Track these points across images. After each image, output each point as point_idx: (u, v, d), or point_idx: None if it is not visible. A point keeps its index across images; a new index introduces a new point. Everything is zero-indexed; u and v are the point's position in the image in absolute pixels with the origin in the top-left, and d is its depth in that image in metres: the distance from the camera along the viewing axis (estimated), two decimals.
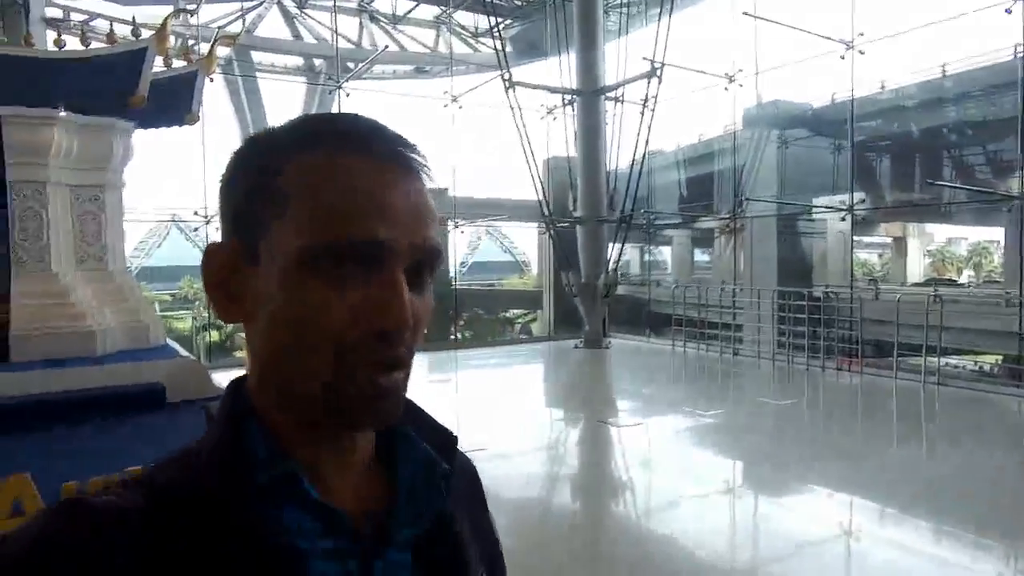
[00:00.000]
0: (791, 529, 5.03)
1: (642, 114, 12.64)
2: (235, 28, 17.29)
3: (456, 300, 18.02)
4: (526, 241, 18.92)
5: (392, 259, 0.52)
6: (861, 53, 12.42)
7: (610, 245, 13.77)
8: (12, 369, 4.80)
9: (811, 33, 13.05)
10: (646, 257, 23.11)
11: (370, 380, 0.52)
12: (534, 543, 4.27)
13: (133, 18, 6.09)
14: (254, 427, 0.55)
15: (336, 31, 17.46)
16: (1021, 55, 11.19)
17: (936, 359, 9.99)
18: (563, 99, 14.20)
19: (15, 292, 5.24)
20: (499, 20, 15.19)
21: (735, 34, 14.51)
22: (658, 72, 12.29)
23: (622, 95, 13.51)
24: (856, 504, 5.50)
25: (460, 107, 15.47)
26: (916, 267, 29.11)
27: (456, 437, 0.64)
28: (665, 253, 29.35)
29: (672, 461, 6.63)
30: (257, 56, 22.76)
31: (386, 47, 20.83)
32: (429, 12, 22.73)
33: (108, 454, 3.66)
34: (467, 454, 0.70)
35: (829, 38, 12.67)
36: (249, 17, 21.40)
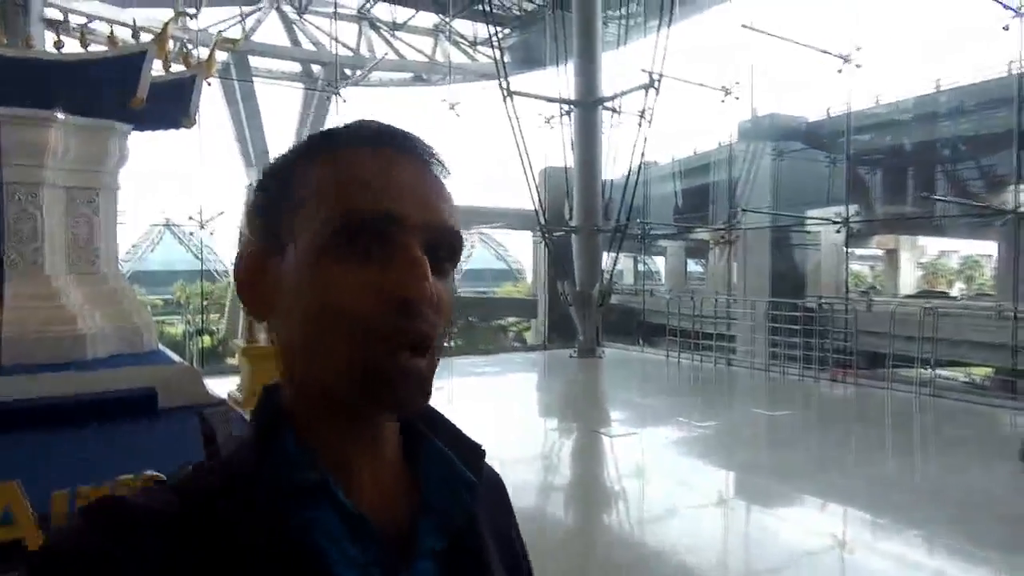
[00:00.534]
0: (784, 540, 5.02)
1: (639, 125, 12.71)
2: (235, 33, 17.30)
3: None
4: (520, 249, 18.93)
5: (405, 233, 0.53)
6: (858, 67, 12.54)
7: (605, 255, 13.79)
8: (2, 373, 4.75)
9: (809, 47, 13.19)
10: (640, 267, 23.16)
11: (393, 360, 0.52)
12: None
13: (133, 21, 6.10)
14: (287, 431, 0.55)
15: (335, 38, 17.50)
16: (1017, 71, 11.29)
17: (930, 370, 10.03)
18: (560, 109, 14.26)
19: (7, 294, 5.19)
20: (498, 29, 15.25)
21: (733, 48, 14.61)
22: (655, 84, 12.36)
23: (619, 106, 13.58)
24: (849, 515, 5.50)
25: (457, 115, 15.52)
26: (908, 279, 29.26)
27: (484, 450, 0.64)
28: (659, 263, 29.44)
29: (666, 471, 6.62)
30: (255, 61, 22.76)
31: (385, 55, 20.90)
32: (428, 20, 22.82)
33: (99, 461, 3.62)
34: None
35: (827, 52, 12.81)
36: (248, 22, 21.43)
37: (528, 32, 20.10)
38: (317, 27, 22.41)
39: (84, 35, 5.99)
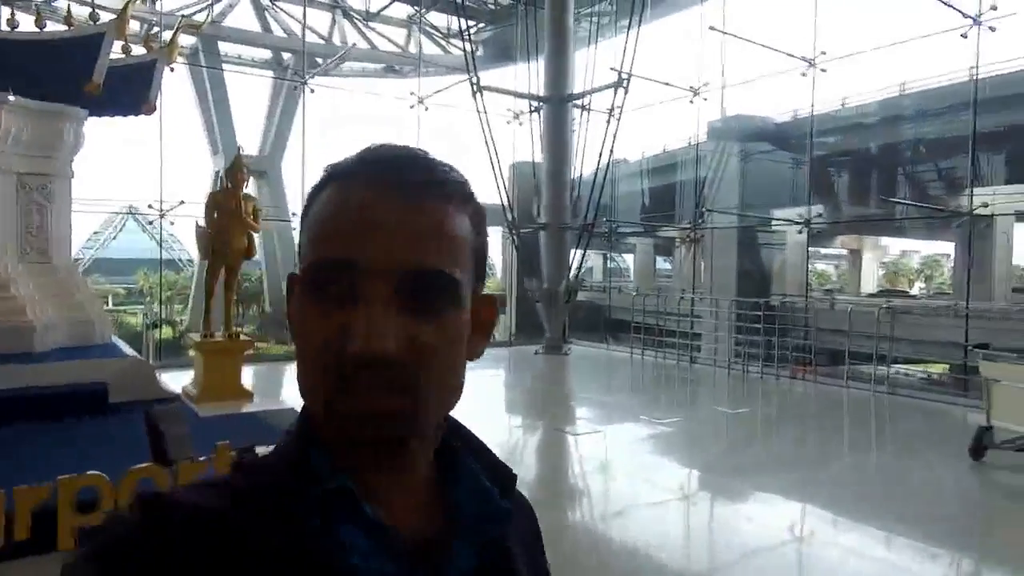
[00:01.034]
0: (744, 535, 5.09)
1: (608, 123, 12.76)
2: (201, 16, 16.90)
3: None
4: (490, 245, 18.76)
5: (368, 280, 0.52)
6: (823, 71, 12.73)
7: (572, 252, 13.85)
8: None
9: (775, 50, 13.34)
10: (610, 264, 23.29)
11: (359, 404, 0.52)
12: None
13: (92, 0, 5.90)
14: (315, 449, 0.56)
15: (305, 25, 17.21)
16: (975, 77, 11.57)
17: (886, 368, 10.28)
18: (530, 105, 14.24)
19: None
20: (471, 23, 15.17)
21: (702, 48, 14.73)
22: (625, 83, 12.41)
23: (589, 104, 13.61)
24: (806, 511, 5.61)
25: (426, 108, 15.40)
26: (870, 279, 29.92)
27: (515, 475, 0.65)
28: (628, 261, 29.64)
29: (629, 469, 6.67)
30: (224, 47, 22.29)
31: (353, 45, 20.62)
32: (402, 11, 22.56)
33: (41, 459, 3.52)
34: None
35: (792, 55, 12.97)
36: (218, 6, 20.96)
37: (502, 26, 20.02)
38: (289, 14, 22.04)
39: (40, 13, 5.80)
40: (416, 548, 0.56)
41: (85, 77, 5.41)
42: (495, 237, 16.06)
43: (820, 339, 11.45)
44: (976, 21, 10.73)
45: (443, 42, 22.76)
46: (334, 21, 22.45)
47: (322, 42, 21.64)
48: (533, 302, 14.17)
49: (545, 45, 13.92)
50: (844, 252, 31.18)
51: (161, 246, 16.19)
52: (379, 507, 0.54)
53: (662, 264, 27.72)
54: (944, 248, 30.97)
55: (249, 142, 23.61)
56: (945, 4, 11.02)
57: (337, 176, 0.57)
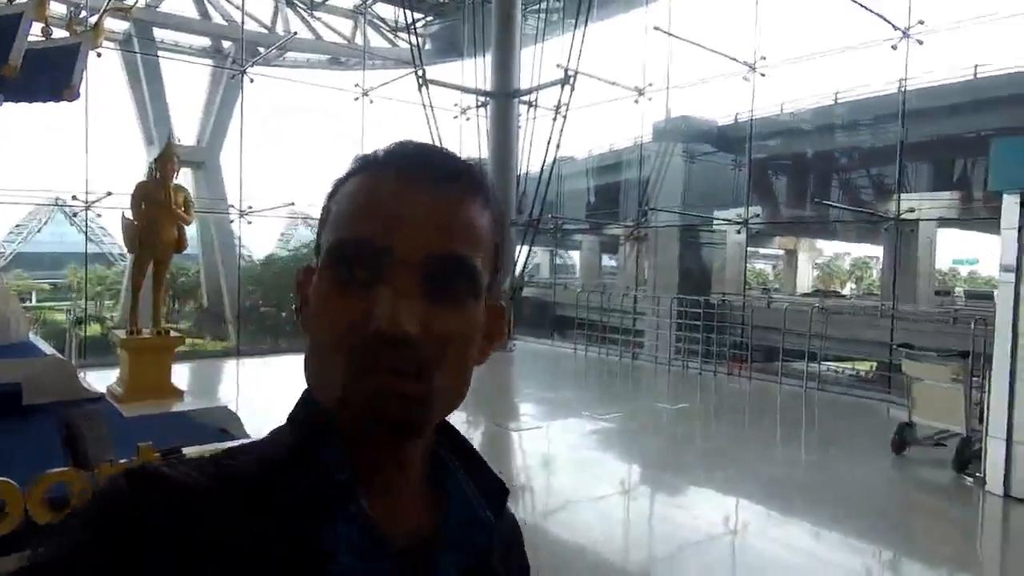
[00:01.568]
0: (681, 528, 5.21)
1: (554, 120, 12.83)
2: (137, 1, 16.21)
3: None
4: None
5: (394, 264, 0.53)
6: (762, 75, 13.10)
7: (518, 248, 13.87)
8: None
9: (717, 53, 13.66)
10: (557, 261, 23.46)
11: (378, 384, 0.52)
12: None
13: None
14: (321, 438, 0.56)
15: (243, 11, 16.71)
16: (903, 88, 12.10)
17: (817, 365, 10.67)
18: (477, 100, 14.19)
19: None
20: (418, 16, 15.00)
21: (647, 49, 14.95)
22: (571, 80, 12.49)
23: (535, 100, 13.65)
24: (740, 504, 5.77)
25: (371, 101, 15.17)
26: (805, 279, 31.02)
27: (508, 489, 0.65)
28: (575, 257, 29.93)
29: (569, 464, 6.73)
30: (161, 34, 21.44)
31: (294, 33, 20.13)
32: (348, 1, 22.17)
33: None
34: None
35: (734, 59, 13.29)
36: None
37: (449, 20, 19.90)
38: (229, 0, 21.37)
39: None
40: (404, 552, 0.56)
41: (0, 60, 5.09)
42: None
43: (757, 337, 11.79)
44: (905, 34, 11.21)
45: (390, 35, 22.47)
46: (277, 10, 21.88)
47: (264, 31, 21.07)
48: None
49: (492, 40, 13.89)
50: (781, 252, 32.23)
51: (87, 239, 15.47)
52: (373, 508, 0.55)
53: (608, 261, 28.11)
54: (874, 251, 32.40)
55: (187, 132, 22.81)
56: (877, 16, 11.48)
57: (367, 166, 0.58)
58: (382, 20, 22.52)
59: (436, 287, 0.54)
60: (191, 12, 21.57)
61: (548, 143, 12.94)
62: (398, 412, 0.53)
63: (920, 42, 11.27)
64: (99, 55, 8.25)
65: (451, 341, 0.55)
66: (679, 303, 13.18)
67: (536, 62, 13.47)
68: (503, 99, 13.79)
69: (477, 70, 13.97)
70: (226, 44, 21.77)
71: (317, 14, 22.45)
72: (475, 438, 8.11)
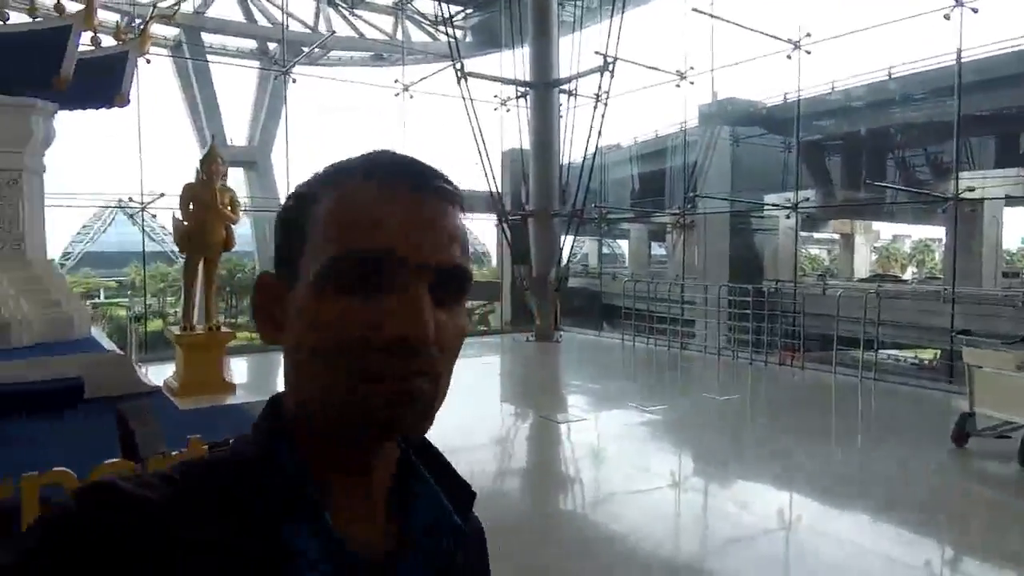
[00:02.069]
0: (732, 521, 5.11)
1: (595, 108, 12.67)
2: (182, 7, 16.67)
3: None
4: (485, 232, 18.85)
5: (407, 271, 0.54)
6: (808, 53, 12.65)
7: (563, 238, 13.80)
8: None
9: (759, 32, 13.24)
10: (605, 250, 23.26)
11: (394, 388, 0.53)
12: None
13: None
14: (285, 445, 0.56)
15: (286, 12, 17.02)
16: (959, 60, 11.51)
17: (874, 354, 10.28)
18: (516, 91, 14.13)
19: None
20: (457, 9, 15.01)
21: (687, 32, 14.64)
22: (610, 67, 12.31)
23: (575, 89, 13.51)
24: (792, 497, 5.62)
25: (411, 96, 15.28)
26: (863, 263, 29.93)
27: (474, 492, 0.66)
28: (623, 246, 29.59)
29: (614, 457, 6.67)
30: (210, 38, 22.05)
31: (333, 32, 20.41)
32: None
33: (11, 456, 3.48)
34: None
35: (777, 38, 12.87)
36: None
37: (488, 12, 19.84)
38: (272, 2, 21.79)
39: (3, 5, 5.69)
40: (365, 560, 0.56)
41: (53, 70, 5.31)
42: (487, 225, 16.04)
43: (810, 324, 11.43)
44: (959, 2, 10.64)
45: (430, 29, 22.57)
46: (319, 10, 22.21)
47: (307, 31, 21.43)
48: (522, 290, 14.13)
49: (530, 30, 13.80)
50: (836, 237, 31.18)
51: (144, 238, 16.07)
52: (336, 513, 0.55)
53: (658, 250, 27.69)
54: (936, 233, 31.03)
55: (238, 133, 23.45)
56: None
57: (352, 175, 0.57)
58: (422, 15, 22.63)
59: (440, 293, 0.55)
60: (237, 16, 22.11)
61: (589, 131, 12.81)
62: (410, 417, 0.54)
63: (975, 10, 10.68)
64: (148, 61, 8.53)
65: (452, 344, 0.56)
66: (729, 291, 12.88)
67: (575, 50, 13.34)
68: (543, 89, 13.69)
69: (516, 61, 13.92)
70: (271, 46, 22.25)
71: (358, 12, 22.71)
72: (521, 430, 8.13)
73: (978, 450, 6.34)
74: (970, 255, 15.33)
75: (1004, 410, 6.14)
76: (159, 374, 7.59)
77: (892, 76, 16.62)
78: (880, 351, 10.84)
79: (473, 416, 8.13)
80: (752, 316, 11.49)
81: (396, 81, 15.41)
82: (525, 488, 6.09)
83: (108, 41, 6.05)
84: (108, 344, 6.10)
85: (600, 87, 12.54)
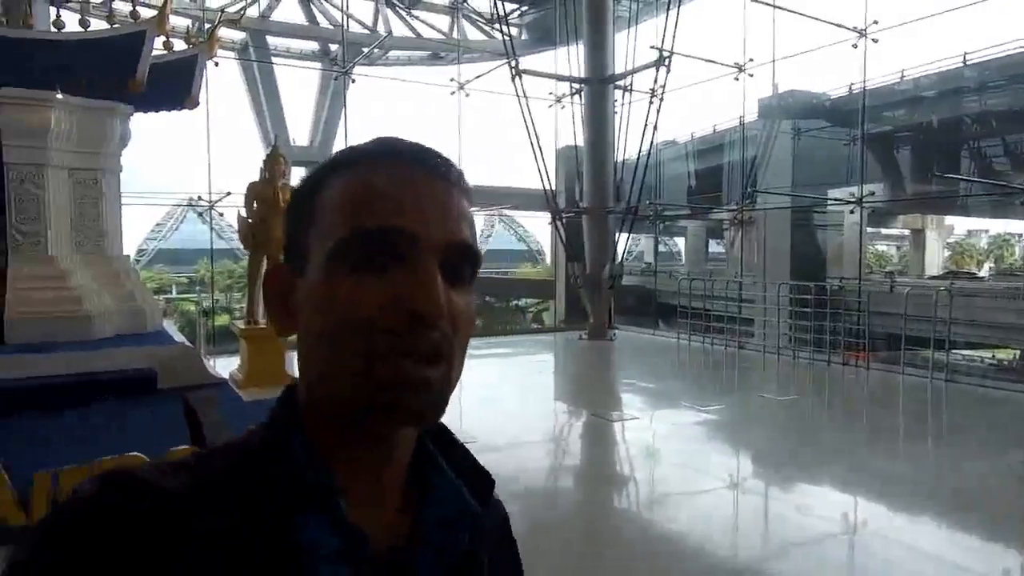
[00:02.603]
0: (791, 525, 4.99)
1: (650, 103, 12.50)
2: (249, 11, 17.25)
3: None
4: (540, 230, 18.88)
5: (420, 249, 0.53)
6: (875, 42, 12.16)
7: (617, 235, 13.67)
8: (6, 352, 4.84)
9: (823, 21, 12.80)
10: (661, 248, 22.95)
11: (401, 369, 0.52)
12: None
13: None
14: (298, 436, 0.56)
15: (346, 14, 17.40)
16: None
17: (944, 354, 9.82)
18: (571, 88, 14.07)
19: (11, 275, 5.28)
20: (512, 7, 15.02)
21: (747, 23, 14.25)
22: (666, 61, 12.13)
23: (630, 84, 13.35)
24: (855, 502, 5.44)
25: (467, 95, 15.40)
26: (935, 259, 28.63)
27: (493, 480, 0.65)
28: (680, 244, 29.14)
29: (669, 456, 6.57)
30: (274, 41, 22.75)
31: (389, 33, 20.76)
32: None
33: (87, 442, 3.68)
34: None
35: (841, 26, 12.42)
36: (264, 1, 21.38)
37: (543, 9, 19.82)
38: (333, 4, 22.32)
39: (84, 12, 6.00)
40: (381, 551, 0.55)
41: (129, 74, 5.58)
42: (541, 222, 16.03)
43: (877, 324, 10.99)
44: None
45: (486, 27, 22.69)
46: (377, 11, 22.62)
47: (367, 32, 21.85)
48: (576, 288, 14.07)
49: (584, 26, 13.71)
50: (906, 232, 29.91)
51: (212, 235, 16.71)
52: (351, 504, 0.54)
53: (716, 247, 27.15)
54: (1015, 227, 29.41)
55: (301, 133, 24.10)
56: None
57: (358, 160, 0.57)
58: (478, 13, 22.78)
59: (450, 272, 0.55)
60: (300, 18, 22.74)
61: (644, 127, 12.65)
62: (424, 402, 0.53)
63: None
64: (216, 64, 8.90)
65: (464, 324, 0.56)
66: (790, 289, 12.53)
67: (630, 45, 13.18)
68: (597, 85, 13.59)
69: (571, 57, 13.86)
70: (333, 47, 22.80)
71: (415, 12, 23.03)
72: (574, 428, 8.10)
73: None
74: None
75: None
76: (226, 367, 7.90)
77: (967, 63, 15.82)
78: (952, 351, 10.32)
79: (526, 414, 8.16)
80: (814, 315, 11.14)
81: (452, 80, 15.57)
82: (578, 486, 6.08)
83: (179, 45, 6.33)
84: (179, 337, 6.37)
85: (656, 82, 12.37)
